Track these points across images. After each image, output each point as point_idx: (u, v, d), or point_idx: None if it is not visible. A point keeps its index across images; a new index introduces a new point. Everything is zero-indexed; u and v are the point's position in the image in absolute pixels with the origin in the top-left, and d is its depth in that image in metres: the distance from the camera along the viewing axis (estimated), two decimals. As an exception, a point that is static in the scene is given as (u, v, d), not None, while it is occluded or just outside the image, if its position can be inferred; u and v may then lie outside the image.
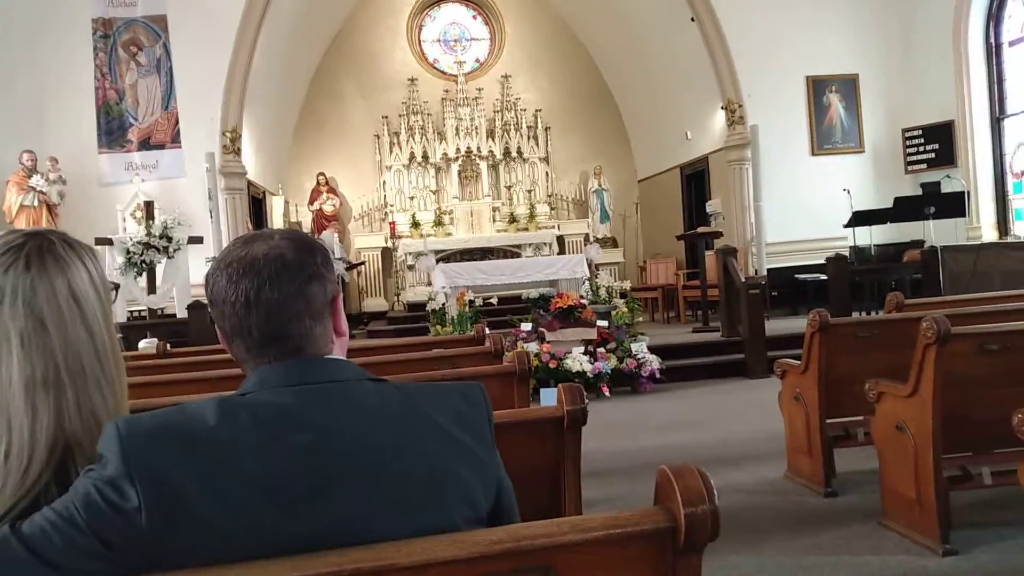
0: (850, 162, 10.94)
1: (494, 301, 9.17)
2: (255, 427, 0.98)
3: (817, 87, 10.85)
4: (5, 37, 8.95)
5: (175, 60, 9.36)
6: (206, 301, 1.17)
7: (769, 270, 9.33)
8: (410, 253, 12.43)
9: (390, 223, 13.55)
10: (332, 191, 13.61)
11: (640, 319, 8.45)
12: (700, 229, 10.16)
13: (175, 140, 9.38)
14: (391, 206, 13.73)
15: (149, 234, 7.88)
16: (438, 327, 8.17)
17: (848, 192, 9.95)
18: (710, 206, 10.73)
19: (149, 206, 8.41)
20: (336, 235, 12.04)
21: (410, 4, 14.57)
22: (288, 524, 0.95)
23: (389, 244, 13.38)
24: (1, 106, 8.85)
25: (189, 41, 9.33)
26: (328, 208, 13.37)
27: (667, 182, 13.26)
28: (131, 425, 0.96)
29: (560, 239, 13.47)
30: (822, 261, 8.94)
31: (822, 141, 10.90)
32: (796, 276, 10.42)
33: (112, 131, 9.32)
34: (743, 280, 7.90)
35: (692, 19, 10.58)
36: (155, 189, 9.16)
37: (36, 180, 8.60)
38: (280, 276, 1.07)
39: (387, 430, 1.04)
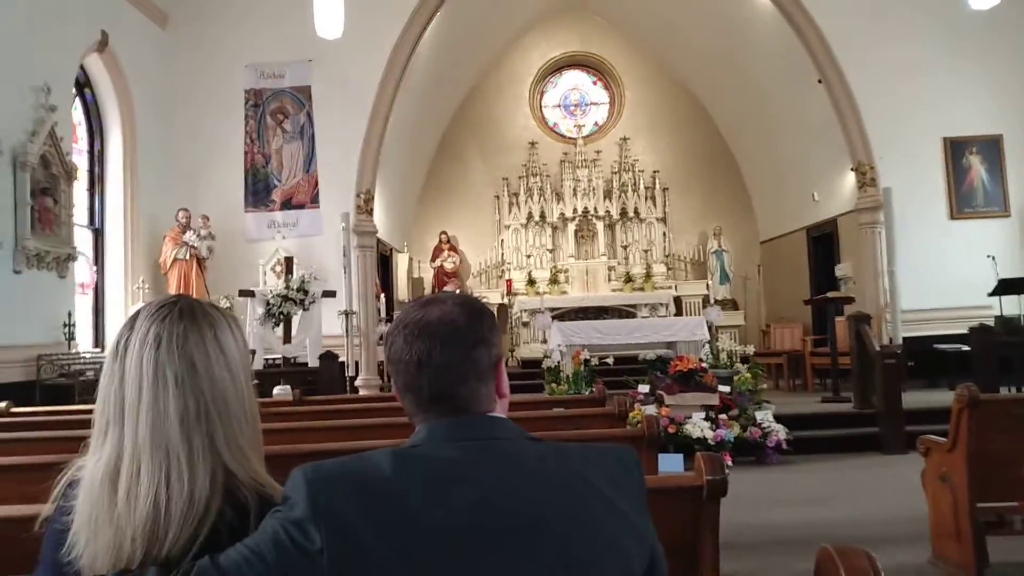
0: (994, 226, 10.25)
1: (610, 361, 9.12)
2: (427, 480, 1.04)
3: (955, 149, 10.31)
4: (174, 109, 9.96)
5: (317, 127, 10.09)
6: (385, 357, 1.28)
7: (905, 339, 8.79)
8: (525, 310, 12.60)
9: (507, 280, 13.82)
10: (453, 249, 14.07)
11: (764, 386, 8.14)
12: (830, 294, 9.74)
13: (314, 200, 10.04)
14: (508, 264, 14.03)
15: (288, 287, 8.40)
16: (553, 385, 8.18)
17: (993, 258, 9.32)
18: (840, 270, 10.29)
19: (289, 262, 8.99)
20: (457, 291, 12.37)
21: (532, 72, 15.11)
22: None
23: (505, 301, 13.61)
24: (166, 169, 9.79)
25: (330, 110, 10.05)
26: (449, 265, 13.81)
27: (792, 244, 12.86)
28: (317, 471, 1.05)
29: (677, 300, 13.28)
30: (964, 331, 8.36)
31: (962, 204, 10.29)
32: (935, 346, 9.76)
33: (258, 192, 10.09)
34: (877, 349, 7.49)
35: (819, 81, 10.39)
36: (294, 246, 9.80)
37: (189, 236, 9.38)
38: (450, 340, 1.15)
39: (547, 491, 1.07)
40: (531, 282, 13.60)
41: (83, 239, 8.43)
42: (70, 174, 7.69)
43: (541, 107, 15.40)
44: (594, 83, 15.53)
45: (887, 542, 4.32)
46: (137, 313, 1.22)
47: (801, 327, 11.51)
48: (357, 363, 9.13)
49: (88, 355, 7.74)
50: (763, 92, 12.38)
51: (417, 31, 10.26)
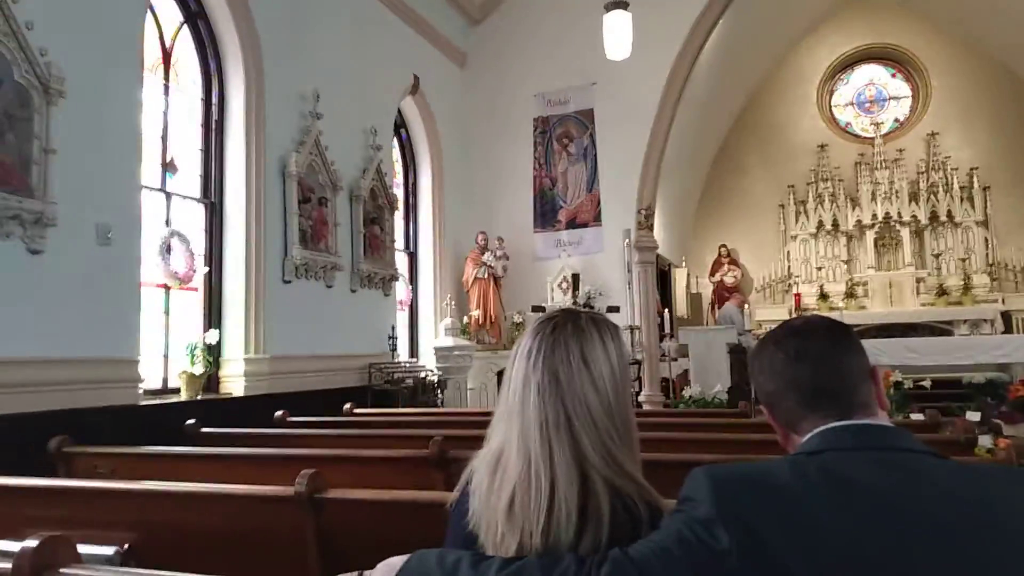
0: None
1: (926, 384, 8.12)
2: (830, 488, 1.02)
3: None
4: (471, 141, 10.90)
5: (599, 147, 10.39)
6: (752, 378, 1.29)
7: None
8: (818, 327, 11.72)
9: (795, 295, 13.00)
10: (733, 263, 13.60)
11: None
12: None
13: (596, 219, 10.33)
14: (796, 277, 13.20)
15: (575, 303, 8.72)
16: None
17: None
18: None
19: (575, 278, 9.34)
20: (738, 308, 11.91)
21: (820, 71, 14.13)
22: None
23: (793, 316, 12.80)
24: (466, 196, 10.73)
25: (611, 129, 10.29)
26: (729, 280, 13.37)
27: None
28: (721, 473, 1.07)
29: (1005, 315, 11.49)
30: None
31: None
32: None
33: (545, 213, 10.64)
34: None
35: None
36: (578, 263, 10.16)
37: (487, 256, 10.17)
38: (823, 335, 1.19)
39: (965, 511, 1.00)
40: (823, 296, 12.67)
41: (401, 262, 9.52)
42: (392, 205, 8.74)
43: (831, 107, 14.34)
44: (892, 76, 14.11)
45: None
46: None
47: None
48: (640, 378, 9.19)
49: (407, 364, 8.71)
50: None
51: (697, 44, 10.13)
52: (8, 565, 1.44)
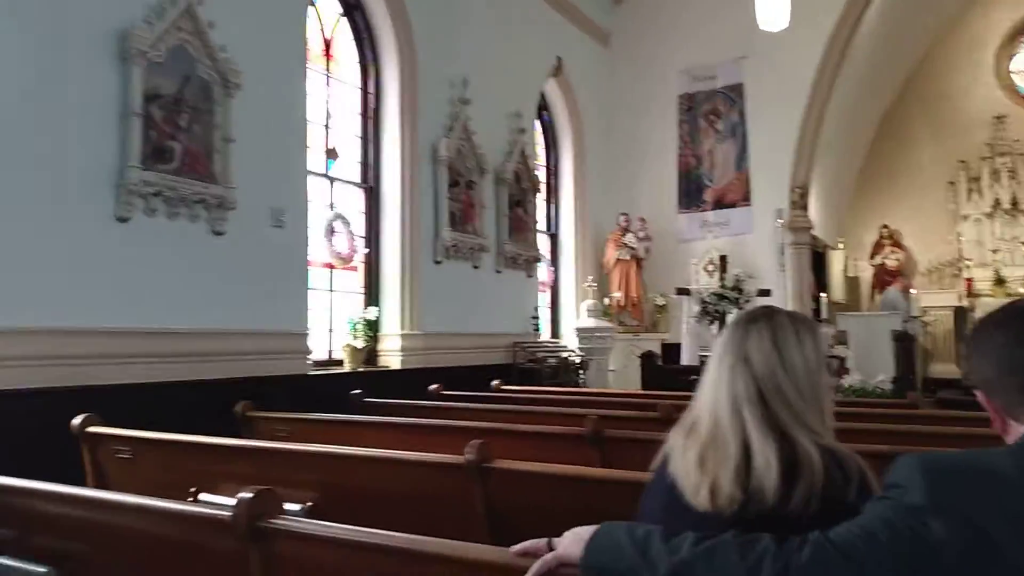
0: None
1: None
2: None
3: None
4: (614, 120, 10.77)
5: (749, 123, 9.97)
6: (965, 362, 1.24)
7: None
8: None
9: (966, 280, 11.93)
10: (896, 244, 12.68)
11: None
12: None
13: (745, 199, 9.94)
14: (967, 260, 12.10)
15: (723, 286, 8.47)
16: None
17: None
18: None
19: (723, 260, 9.05)
20: (902, 293, 11.09)
21: (999, 34, 12.79)
22: None
23: (964, 303, 11.76)
24: (608, 177, 10.64)
25: (762, 104, 9.84)
26: (891, 262, 12.48)
27: None
28: (934, 462, 1.01)
29: None
30: None
31: None
32: None
33: (690, 193, 10.36)
34: None
35: None
36: (725, 245, 9.83)
37: (629, 238, 10.05)
38: None
39: None
40: (999, 281, 11.53)
41: (542, 243, 9.60)
42: (535, 187, 8.83)
43: (1009, 74, 12.95)
44: (1089, 35, 12.54)
45: None
46: None
47: None
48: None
49: (550, 345, 8.80)
50: None
51: (858, 10, 9.47)
52: (227, 513, 1.60)
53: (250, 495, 1.57)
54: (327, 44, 6.67)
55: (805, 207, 9.69)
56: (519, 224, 8.48)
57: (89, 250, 4.25)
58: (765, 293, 8.64)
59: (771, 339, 1.37)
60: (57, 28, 4.17)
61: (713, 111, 10.30)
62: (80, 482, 2.95)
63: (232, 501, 1.62)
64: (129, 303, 4.42)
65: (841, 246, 12.30)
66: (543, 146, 10.21)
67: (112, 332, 4.30)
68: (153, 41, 4.53)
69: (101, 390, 4.05)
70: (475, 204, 7.68)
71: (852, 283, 12.78)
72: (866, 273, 12.78)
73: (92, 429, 3.02)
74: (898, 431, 3.46)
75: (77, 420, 3.03)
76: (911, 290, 10.52)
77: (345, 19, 6.90)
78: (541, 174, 9.77)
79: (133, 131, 4.42)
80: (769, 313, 1.43)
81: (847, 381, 6.66)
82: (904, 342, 7.80)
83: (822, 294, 9.45)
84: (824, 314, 8.85)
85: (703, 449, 1.32)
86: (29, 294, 3.96)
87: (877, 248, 12.70)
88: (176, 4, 4.69)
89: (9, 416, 3.72)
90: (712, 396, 1.38)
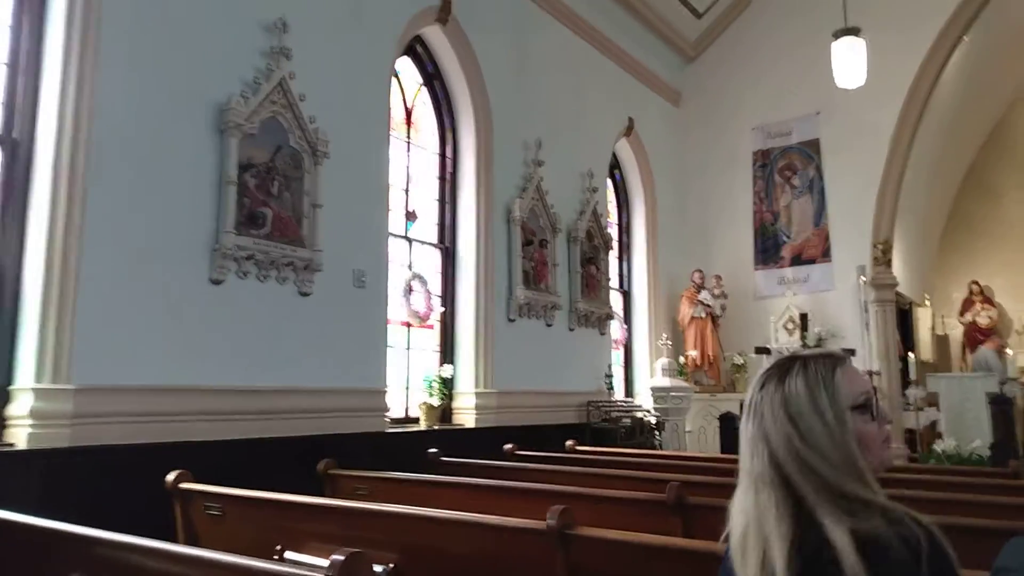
0: None
1: None
2: None
3: None
4: (686, 178, 10.77)
5: (827, 179, 9.81)
6: None
7: None
8: (1101, 376, 10.03)
9: (1068, 338, 11.26)
10: (987, 301, 12.10)
11: None
12: None
13: (825, 255, 9.71)
14: (1069, 317, 11.45)
15: (804, 344, 8.22)
16: None
17: None
18: None
19: (804, 318, 8.82)
20: (996, 352, 10.53)
21: (1093, 80, 12.31)
22: None
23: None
24: (677, 232, 10.60)
25: (840, 159, 9.69)
26: (983, 320, 11.90)
27: None
28: None
29: None
30: None
31: None
32: None
33: (767, 249, 10.19)
34: None
35: None
36: (805, 302, 9.59)
37: (704, 295, 9.92)
38: None
39: None
40: (1106, 339, 10.84)
41: (615, 301, 9.57)
42: (607, 244, 8.86)
43: (1106, 122, 12.41)
44: None
45: None
46: None
47: None
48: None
49: (624, 404, 8.68)
50: None
51: (939, 62, 9.29)
52: (321, 575, 1.64)
53: (342, 557, 1.61)
54: (408, 112, 6.96)
55: (889, 263, 9.38)
56: (591, 282, 8.50)
57: (184, 311, 4.47)
58: (850, 352, 8.33)
59: (784, 409, 1.27)
60: (168, 102, 4.50)
61: (789, 167, 10.19)
62: (171, 537, 3.06)
63: (319, 561, 1.67)
64: (220, 362, 4.61)
65: (928, 303, 11.82)
66: (615, 204, 10.27)
67: (204, 390, 4.49)
68: (248, 114, 4.84)
69: (190, 446, 4.21)
70: (548, 262, 7.76)
71: (941, 342, 12.23)
72: (956, 331, 12.23)
73: (184, 485, 3.14)
74: (998, 503, 3.26)
75: (171, 476, 3.15)
76: (1007, 350, 9.98)
77: (425, 88, 7.20)
78: (613, 231, 9.81)
79: (228, 199, 4.68)
80: (781, 373, 1.32)
81: (939, 447, 6.32)
82: (1001, 405, 7.37)
83: (910, 353, 9.05)
84: (912, 375, 8.46)
85: (744, 529, 1.25)
86: (127, 352, 4.17)
87: (967, 305, 12.16)
88: (270, 79, 5.00)
89: (105, 471, 3.89)
90: (743, 479, 1.30)
